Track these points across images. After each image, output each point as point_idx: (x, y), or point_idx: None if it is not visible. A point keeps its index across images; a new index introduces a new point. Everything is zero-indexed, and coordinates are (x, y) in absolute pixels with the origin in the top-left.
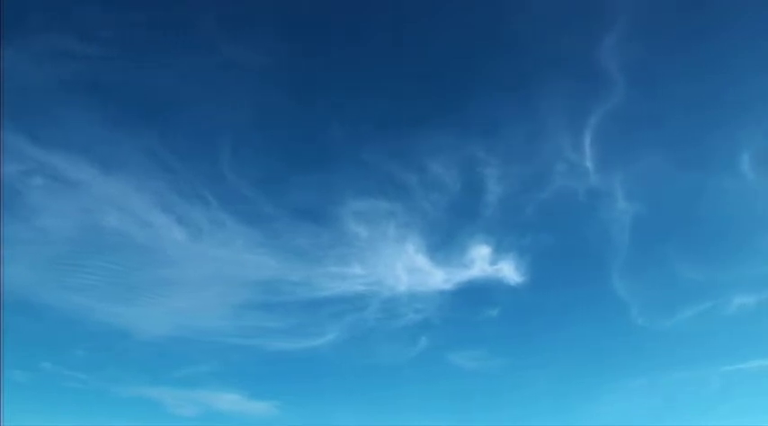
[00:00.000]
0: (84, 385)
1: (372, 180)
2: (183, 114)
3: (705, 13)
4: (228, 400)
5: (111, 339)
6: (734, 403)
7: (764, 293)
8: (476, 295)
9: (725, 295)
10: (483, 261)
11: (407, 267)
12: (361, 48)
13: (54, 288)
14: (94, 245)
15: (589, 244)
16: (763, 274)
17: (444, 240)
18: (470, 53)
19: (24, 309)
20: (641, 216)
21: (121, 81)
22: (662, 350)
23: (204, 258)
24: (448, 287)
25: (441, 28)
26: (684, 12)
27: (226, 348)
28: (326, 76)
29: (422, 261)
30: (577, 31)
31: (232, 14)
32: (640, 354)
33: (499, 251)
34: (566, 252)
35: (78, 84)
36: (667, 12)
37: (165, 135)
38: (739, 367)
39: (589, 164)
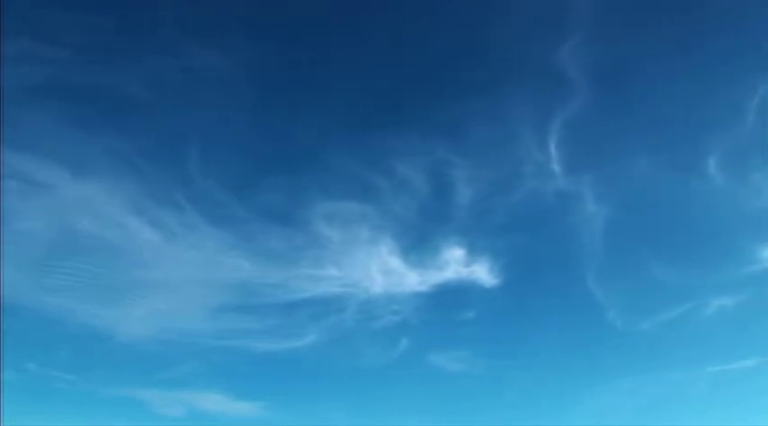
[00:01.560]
0: (71, 385)
1: (341, 183)
2: (150, 117)
3: (663, 17)
4: (214, 400)
5: (93, 340)
6: (721, 405)
7: (742, 295)
8: (452, 297)
9: (702, 297)
10: (457, 264)
11: (382, 269)
12: (327, 51)
13: (33, 289)
14: (70, 248)
15: (562, 246)
16: (738, 276)
17: (417, 242)
18: (434, 57)
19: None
20: (612, 219)
21: (88, 84)
22: (644, 352)
23: (179, 260)
24: (423, 289)
25: (406, 33)
26: (643, 15)
27: (208, 349)
28: (292, 79)
29: (396, 263)
30: (538, 36)
31: (194, 18)
32: (623, 356)
33: (473, 253)
34: (539, 255)
35: (45, 87)
36: (625, 15)
37: (134, 138)
38: (725, 368)
39: (556, 167)
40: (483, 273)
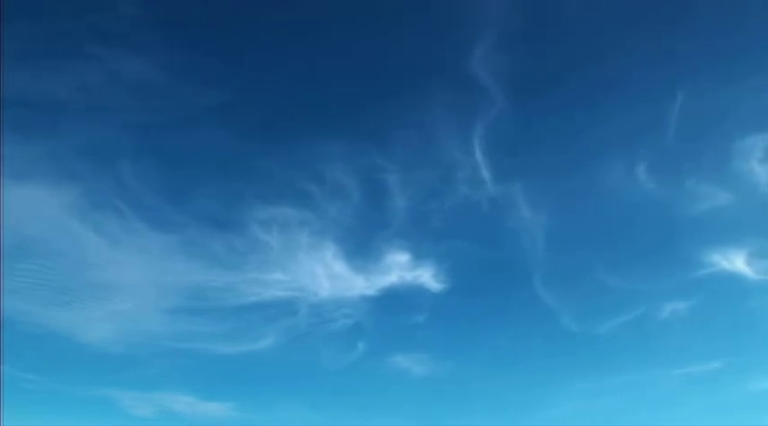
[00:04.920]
0: (39, 386)
1: (274, 188)
2: (81, 123)
3: (578, 23)
4: (183, 401)
5: (55, 342)
6: (687, 407)
7: (693, 299)
8: (401, 301)
9: (654, 301)
10: (401, 268)
11: (328, 273)
12: (254, 58)
13: None
14: (19, 251)
15: (503, 252)
16: (686, 281)
17: (359, 247)
18: (358, 63)
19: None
20: (549, 225)
21: (15, 90)
22: (604, 355)
23: (127, 264)
24: (371, 293)
25: (330, 40)
26: (560, 21)
27: (169, 351)
28: (220, 87)
29: (341, 267)
30: (449, 42)
31: (117, 25)
32: (583, 359)
33: (416, 258)
34: (481, 261)
35: None
36: (534, 17)
37: (67, 144)
38: (691, 370)
39: (486, 173)
40: (428, 278)
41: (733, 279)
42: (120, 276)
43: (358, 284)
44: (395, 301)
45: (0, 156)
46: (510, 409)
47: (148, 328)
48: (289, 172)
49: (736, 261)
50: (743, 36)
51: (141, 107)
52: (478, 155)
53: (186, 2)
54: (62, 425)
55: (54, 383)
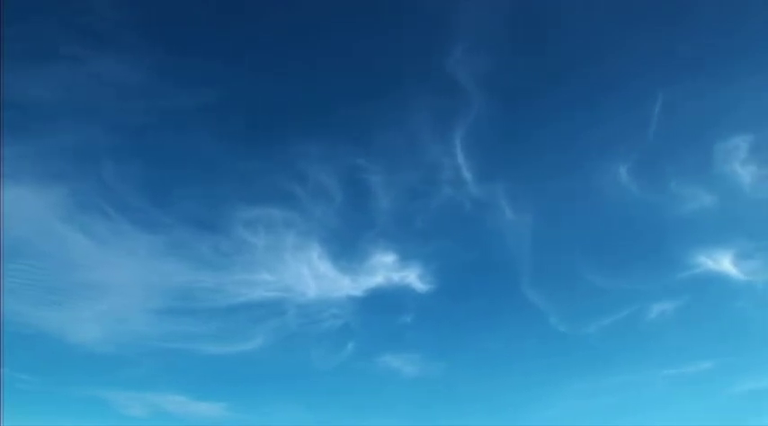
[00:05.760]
0: (32, 386)
1: (259, 190)
2: (67, 126)
3: (560, 26)
4: (175, 401)
5: (45, 342)
6: (678, 407)
7: (680, 300)
8: (388, 301)
9: (642, 302)
10: (386, 269)
11: (314, 274)
12: (233, 57)
13: None
14: (6, 251)
15: (489, 253)
16: (673, 282)
17: (345, 248)
18: (339, 64)
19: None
20: (535, 226)
21: (3, 93)
22: (594, 356)
23: (115, 265)
24: (358, 293)
25: (309, 40)
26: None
27: (159, 351)
28: (203, 88)
29: (327, 267)
30: (430, 44)
31: (97, 26)
32: (572, 359)
33: (401, 258)
34: (468, 261)
35: None
36: (515, 19)
37: (49, 145)
38: (681, 371)
39: (468, 174)
40: (414, 278)
41: (720, 280)
42: (108, 277)
43: (345, 284)
44: (382, 301)
45: (0, 157)
46: (500, 409)
47: (137, 328)
48: (273, 173)
49: (723, 262)
50: (727, 39)
51: (126, 108)
52: (460, 157)
53: (170, 4)
54: (54, 425)
55: (45, 383)
